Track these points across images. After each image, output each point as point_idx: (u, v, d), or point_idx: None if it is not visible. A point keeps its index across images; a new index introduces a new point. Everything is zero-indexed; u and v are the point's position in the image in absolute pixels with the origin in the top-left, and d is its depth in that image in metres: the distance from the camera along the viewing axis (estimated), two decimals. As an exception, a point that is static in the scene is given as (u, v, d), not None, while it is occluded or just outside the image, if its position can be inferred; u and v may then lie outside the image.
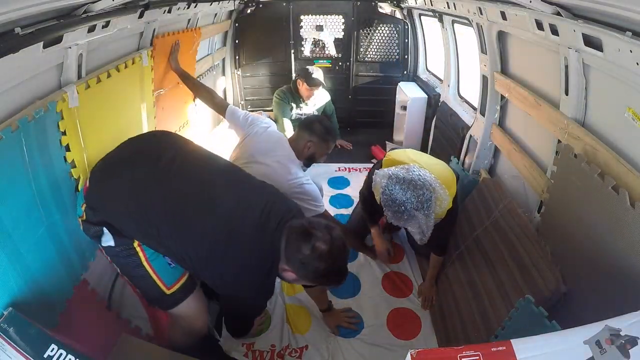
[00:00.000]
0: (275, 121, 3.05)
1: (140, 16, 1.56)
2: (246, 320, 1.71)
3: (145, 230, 1.18)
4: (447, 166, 1.75)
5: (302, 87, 3.02)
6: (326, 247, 1.19)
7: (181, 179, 1.24)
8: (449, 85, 2.90)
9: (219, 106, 2.06)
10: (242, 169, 1.47)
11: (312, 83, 2.97)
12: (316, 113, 3.22)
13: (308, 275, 1.24)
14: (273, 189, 1.40)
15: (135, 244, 1.23)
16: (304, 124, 1.95)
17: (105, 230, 1.20)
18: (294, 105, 3.13)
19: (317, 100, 3.22)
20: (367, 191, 1.87)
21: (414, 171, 1.46)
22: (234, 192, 1.27)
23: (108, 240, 1.21)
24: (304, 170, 1.95)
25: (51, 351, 0.97)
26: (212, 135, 3.19)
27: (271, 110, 3.28)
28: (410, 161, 1.60)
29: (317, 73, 2.99)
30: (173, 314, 1.37)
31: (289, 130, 2.93)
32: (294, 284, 1.38)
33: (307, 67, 3.09)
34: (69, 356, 0.99)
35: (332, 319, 1.83)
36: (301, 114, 3.13)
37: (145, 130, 1.92)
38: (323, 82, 3.03)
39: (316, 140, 1.88)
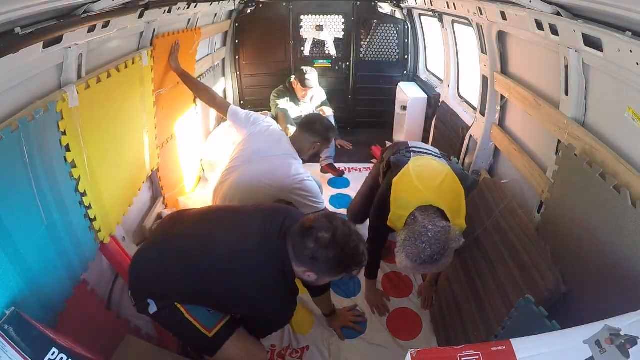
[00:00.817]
0: (275, 118, 3.10)
1: (140, 16, 1.56)
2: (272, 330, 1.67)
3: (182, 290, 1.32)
4: (453, 176, 1.64)
5: (297, 87, 3.16)
6: (329, 235, 1.20)
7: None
8: (449, 85, 2.90)
9: (221, 106, 2.07)
10: (236, 209, 1.53)
11: (305, 85, 3.10)
12: (314, 111, 3.25)
13: (324, 268, 1.24)
14: (266, 207, 1.45)
15: (177, 304, 1.32)
16: (305, 125, 1.96)
17: (149, 301, 1.32)
18: (292, 104, 3.18)
19: (315, 96, 3.29)
20: (378, 221, 1.72)
21: (423, 239, 1.38)
22: (231, 229, 1.35)
23: (153, 307, 1.32)
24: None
25: (52, 355, 0.97)
26: (213, 136, 3.19)
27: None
28: (417, 190, 1.54)
29: (311, 74, 3.11)
30: (221, 358, 1.35)
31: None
32: (319, 284, 1.38)
33: (303, 67, 3.19)
34: (70, 361, 0.98)
35: (338, 321, 1.82)
36: (301, 115, 3.15)
37: (145, 130, 1.93)
38: (317, 83, 3.15)
39: (320, 139, 1.95)
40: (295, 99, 3.21)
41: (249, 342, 1.41)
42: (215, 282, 1.27)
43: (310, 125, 1.95)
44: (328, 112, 3.30)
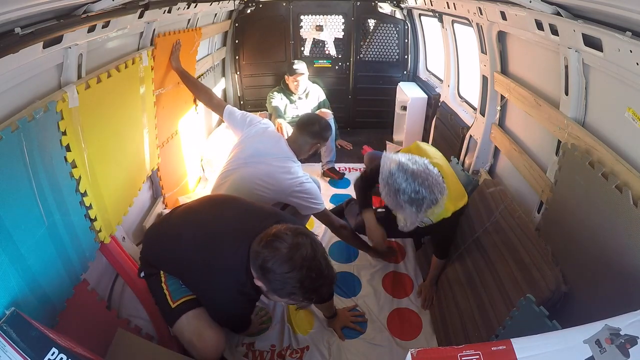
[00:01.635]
0: (270, 118, 3.12)
1: (140, 16, 1.56)
2: (236, 326, 1.66)
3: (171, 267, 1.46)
4: (461, 185, 1.81)
5: (289, 80, 3.22)
6: (286, 250, 1.13)
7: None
8: (449, 85, 2.90)
9: (217, 106, 2.07)
10: (232, 203, 1.54)
11: (292, 71, 3.16)
12: (312, 110, 3.26)
13: (272, 284, 1.17)
14: (260, 208, 1.47)
15: (162, 272, 1.46)
16: (302, 127, 1.96)
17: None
18: (287, 102, 3.19)
19: (311, 93, 3.30)
20: (371, 172, 1.94)
21: (426, 169, 1.52)
22: (213, 222, 1.43)
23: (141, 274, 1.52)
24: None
25: (52, 355, 0.97)
26: (213, 135, 3.19)
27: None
28: (436, 164, 1.64)
29: (299, 63, 3.20)
30: (176, 332, 1.41)
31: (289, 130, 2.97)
32: (273, 300, 1.45)
33: (291, 61, 3.28)
34: (69, 361, 0.98)
35: (338, 322, 1.81)
36: (298, 113, 3.16)
37: (145, 129, 1.93)
38: (306, 70, 3.20)
39: (319, 140, 1.97)
40: (290, 96, 3.24)
41: (205, 324, 1.38)
42: (187, 268, 1.39)
43: (308, 127, 1.94)
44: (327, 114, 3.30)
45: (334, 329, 1.81)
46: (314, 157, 2.29)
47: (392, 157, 1.57)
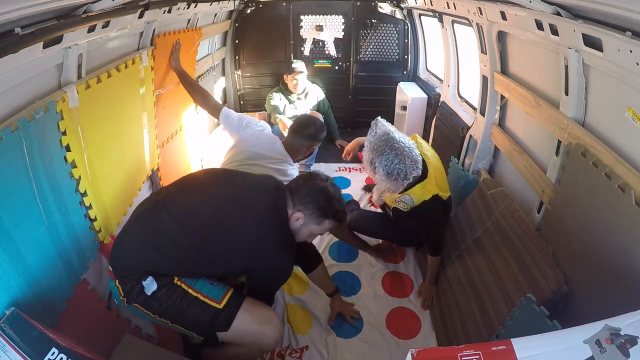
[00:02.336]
0: (269, 118, 3.12)
1: (140, 16, 1.56)
2: (273, 293, 1.67)
3: (183, 260, 1.27)
4: (447, 182, 1.91)
5: (287, 79, 3.20)
6: (324, 183, 1.41)
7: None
8: (449, 85, 2.90)
9: (213, 108, 2.07)
10: (233, 172, 1.59)
11: (291, 70, 3.15)
12: (311, 109, 3.25)
13: (313, 210, 1.37)
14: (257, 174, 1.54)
15: (175, 279, 1.26)
16: (298, 130, 1.97)
17: (149, 277, 1.23)
18: (287, 102, 3.19)
19: (310, 93, 3.29)
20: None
21: (410, 147, 1.66)
22: (223, 183, 1.43)
23: (151, 285, 1.22)
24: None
25: (52, 355, 0.97)
26: (213, 135, 3.18)
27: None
28: (423, 154, 1.79)
29: (298, 62, 3.19)
30: (236, 330, 1.28)
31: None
32: (303, 235, 1.42)
33: (290, 61, 3.28)
34: (69, 361, 0.98)
35: (339, 304, 1.84)
36: (297, 113, 3.16)
37: (145, 129, 1.93)
38: (305, 69, 3.20)
39: (315, 142, 1.99)
40: (289, 95, 3.23)
41: (262, 307, 1.37)
42: (217, 236, 1.26)
43: (304, 129, 1.96)
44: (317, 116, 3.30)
45: (331, 309, 1.84)
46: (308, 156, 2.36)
47: (386, 125, 1.72)
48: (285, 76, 3.22)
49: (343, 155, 2.30)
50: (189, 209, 1.30)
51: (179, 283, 1.26)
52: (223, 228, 1.28)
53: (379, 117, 1.76)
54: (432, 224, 1.87)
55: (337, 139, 3.51)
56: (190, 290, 1.26)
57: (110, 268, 1.29)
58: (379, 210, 2.31)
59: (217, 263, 1.29)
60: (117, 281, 1.25)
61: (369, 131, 1.74)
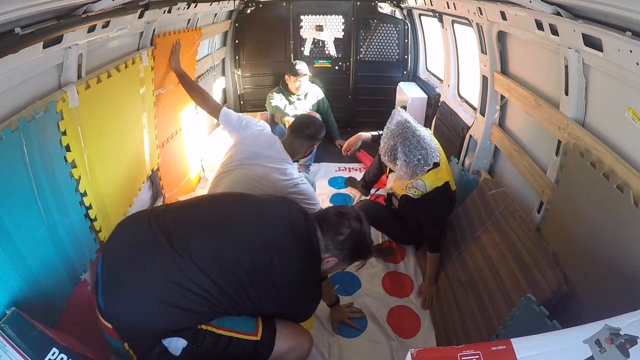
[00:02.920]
0: (272, 118, 3.12)
1: (140, 16, 1.56)
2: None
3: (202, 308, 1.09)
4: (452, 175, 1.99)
5: (290, 81, 3.20)
6: (358, 225, 1.30)
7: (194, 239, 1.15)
8: (449, 85, 2.90)
9: (213, 108, 2.07)
10: (250, 196, 1.40)
11: (295, 72, 3.14)
12: (310, 109, 3.25)
13: (347, 255, 1.31)
14: (280, 197, 1.42)
15: (202, 326, 1.13)
16: (297, 130, 1.96)
17: (170, 339, 1.07)
18: (287, 102, 3.19)
19: (310, 93, 3.29)
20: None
21: (430, 138, 1.81)
22: (255, 220, 1.24)
23: (177, 343, 1.07)
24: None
25: (52, 355, 0.97)
26: (213, 136, 3.18)
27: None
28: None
29: (301, 64, 3.18)
30: (277, 356, 1.23)
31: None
32: (331, 272, 1.40)
33: (293, 62, 3.26)
34: (70, 361, 0.98)
35: (336, 314, 1.83)
36: (296, 113, 3.16)
37: (145, 129, 1.93)
38: (308, 71, 3.18)
39: (314, 142, 1.99)
40: (289, 96, 3.23)
41: (293, 328, 1.32)
42: (256, 286, 1.14)
43: (303, 129, 1.95)
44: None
45: (331, 321, 1.83)
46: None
47: (405, 114, 1.84)
48: (287, 77, 3.22)
49: (343, 148, 2.35)
50: (222, 256, 1.12)
51: (206, 327, 1.12)
52: (261, 277, 1.14)
53: (398, 107, 1.85)
54: (436, 215, 1.90)
55: (337, 139, 3.51)
56: (222, 332, 1.14)
57: (104, 321, 1.07)
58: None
59: (248, 309, 1.18)
60: (125, 344, 1.06)
61: (389, 120, 1.86)
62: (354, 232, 1.28)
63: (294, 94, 3.23)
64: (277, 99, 3.20)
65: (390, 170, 2.11)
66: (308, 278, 1.26)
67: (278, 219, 1.26)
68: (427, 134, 1.82)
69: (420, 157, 1.73)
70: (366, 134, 2.36)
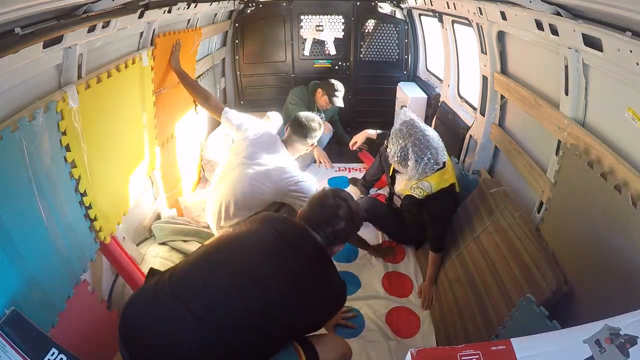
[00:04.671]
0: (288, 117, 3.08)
1: (140, 16, 1.56)
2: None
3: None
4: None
5: (321, 98, 3.13)
6: (345, 204, 1.30)
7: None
8: (449, 85, 2.90)
9: (215, 108, 2.08)
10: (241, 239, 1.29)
11: (334, 102, 3.07)
12: (323, 116, 3.22)
13: (350, 234, 1.36)
14: (261, 219, 1.32)
15: None
16: (298, 130, 1.97)
17: None
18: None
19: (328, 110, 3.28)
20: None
21: (439, 139, 1.86)
22: (259, 255, 1.20)
23: None
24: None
25: (51, 355, 0.97)
26: (213, 136, 3.18)
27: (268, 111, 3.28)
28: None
29: (341, 92, 3.10)
30: None
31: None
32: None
33: (333, 81, 3.13)
34: (69, 361, 0.98)
35: (331, 320, 1.80)
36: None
37: (145, 129, 1.93)
38: (342, 102, 3.12)
39: (314, 140, 2.01)
40: (312, 107, 3.15)
41: (324, 337, 1.33)
42: (292, 323, 1.14)
43: (303, 128, 1.97)
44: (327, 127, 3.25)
45: (326, 329, 1.79)
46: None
47: (412, 115, 1.88)
48: (320, 91, 3.12)
49: (350, 144, 2.48)
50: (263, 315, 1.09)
51: None
52: (298, 307, 1.15)
53: (404, 107, 1.86)
54: (442, 214, 1.92)
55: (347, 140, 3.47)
56: None
57: None
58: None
59: (280, 342, 1.15)
60: None
61: (395, 119, 1.90)
62: (346, 215, 1.28)
63: (319, 110, 3.16)
64: (298, 107, 3.05)
65: (394, 172, 2.12)
66: (330, 278, 1.27)
67: (300, 253, 1.21)
68: (435, 134, 1.87)
69: (430, 156, 1.78)
70: (372, 131, 2.44)
